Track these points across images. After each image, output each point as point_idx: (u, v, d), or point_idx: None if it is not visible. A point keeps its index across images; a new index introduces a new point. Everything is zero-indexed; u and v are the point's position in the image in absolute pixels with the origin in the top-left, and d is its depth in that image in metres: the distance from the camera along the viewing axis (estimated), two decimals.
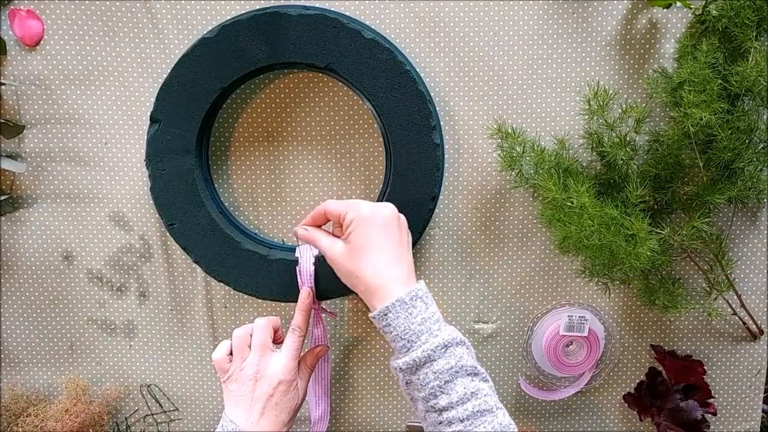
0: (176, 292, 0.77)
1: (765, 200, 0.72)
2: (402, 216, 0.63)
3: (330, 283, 0.67)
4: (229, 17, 0.68)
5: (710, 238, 0.70)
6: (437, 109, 0.70)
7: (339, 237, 0.62)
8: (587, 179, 0.66)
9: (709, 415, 0.73)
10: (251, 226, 0.76)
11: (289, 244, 0.75)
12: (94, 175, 0.74)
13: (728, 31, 0.62)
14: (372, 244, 0.59)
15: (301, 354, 0.67)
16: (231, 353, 0.65)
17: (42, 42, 0.71)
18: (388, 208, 0.61)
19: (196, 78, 0.68)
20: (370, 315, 0.58)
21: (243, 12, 0.68)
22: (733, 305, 0.73)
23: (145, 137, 0.70)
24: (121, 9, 0.70)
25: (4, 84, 0.72)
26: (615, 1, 0.68)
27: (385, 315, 0.57)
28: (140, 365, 0.79)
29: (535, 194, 0.73)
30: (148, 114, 0.69)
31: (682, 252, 0.71)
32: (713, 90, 0.60)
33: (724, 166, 0.65)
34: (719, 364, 0.77)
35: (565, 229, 0.65)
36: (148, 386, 0.80)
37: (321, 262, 0.70)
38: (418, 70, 0.70)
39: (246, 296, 0.76)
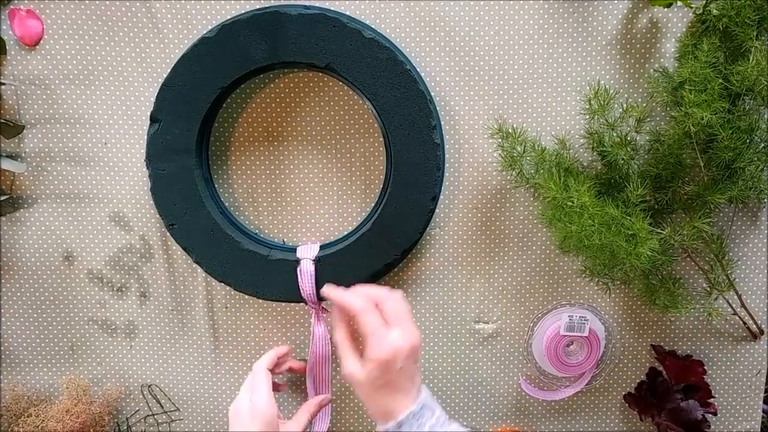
0: (177, 293, 0.77)
1: (766, 200, 0.72)
2: (418, 342, 0.60)
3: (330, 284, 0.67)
4: (229, 17, 0.68)
5: (711, 238, 0.69)
6: (437, 108, 0.70)
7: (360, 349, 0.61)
8: (588, 179, 0.66)
9: (710, 415, 0.73)
10: (251, 226, 0.76)
11: (290, 244, 0.75)
12: (94, 175, 0.74)
13: (729, 30, 0.62)
14: (390, 386, 0.58)
15: (305, 403, 0.72)
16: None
17: (42, 42, 0.71)
18: (410, 345, 0.58)
19: (196, 78, 0.68)
20: (379, 428, 0.59)
21: (243, 12, 0.68)
22: (734, 305, 0.73)
23: (145, 137, 0.70)
24: (121, 9, 0.70)
25: (4, 84, 0.72)
26: (615, 1, 0.68)
27: (399, 428, 0.58)
28: (141, 365, 0.79)
29: (536, 194, 0.73)
30: (148, 114, 0.69)
31: (683, 252, 0.71)
32: (714, 89, 0.60)
33: (725, 165, 0.64)
34: (719, 364, 0.77)
35: (565, 228, 0.65)
36: (149, 386, 0.80)
37: (321, 262, 0.70)
38: (418, 69, 0.69)
39: (246, 296, 0.76)
